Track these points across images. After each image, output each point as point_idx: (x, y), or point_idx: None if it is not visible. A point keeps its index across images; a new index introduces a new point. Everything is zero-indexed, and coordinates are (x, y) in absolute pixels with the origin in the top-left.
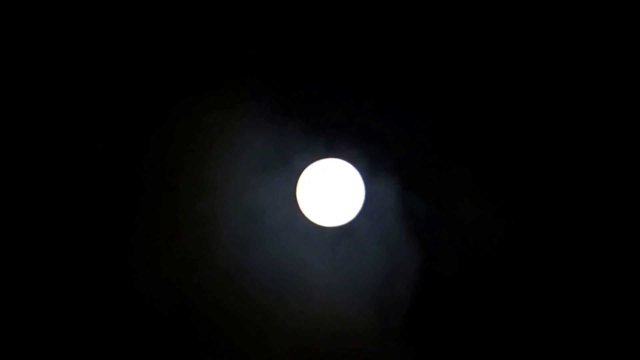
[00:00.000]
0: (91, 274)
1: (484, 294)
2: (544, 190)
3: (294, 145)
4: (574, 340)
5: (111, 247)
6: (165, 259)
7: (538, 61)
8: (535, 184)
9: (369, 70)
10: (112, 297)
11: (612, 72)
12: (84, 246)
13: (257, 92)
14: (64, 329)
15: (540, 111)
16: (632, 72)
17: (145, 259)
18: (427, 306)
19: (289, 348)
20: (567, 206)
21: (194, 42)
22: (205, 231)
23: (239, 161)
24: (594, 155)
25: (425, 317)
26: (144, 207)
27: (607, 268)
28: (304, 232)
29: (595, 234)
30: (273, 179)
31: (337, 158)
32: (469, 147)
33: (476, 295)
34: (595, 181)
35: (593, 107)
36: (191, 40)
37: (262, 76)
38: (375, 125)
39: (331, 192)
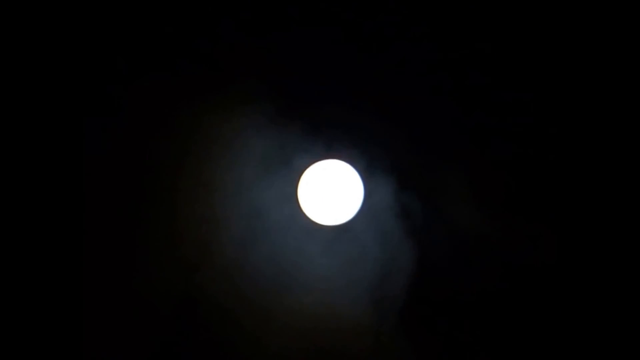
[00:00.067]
0: (94, 273)
1: (479, 291)
2: (540, 190)
3: (294, 146)
4: (569, 339)
5: (114, 247)
6: (168, 258)
7: (537, 60)
8: (531, 184)
9: (367, 72)
10: (115, 296)
11: (613, 71)
12: (86, 246)
13: (258, 93)
14: (65, 328)
15: (537, 111)
16: (632, 72)
17: (148, 258)
18: (424, 303)
19: (289, 343)
20: (563, 205)
21: (196, 43)
22: (207, 230)
23: (240, 161)
24: (592, 155)
25: (422, 314)
26: (146, 207)
27: (604, 267)
28: (304, 230)
29: (594, 233)
30: (274, 178)
31: (336, 159)
32: (465, 147)
33: (472, 293)
34: (593, 180)
35: (592, 107)
36: (193, 40)
37: (263, 78)
38: (373, 127)
39: (331, 191)
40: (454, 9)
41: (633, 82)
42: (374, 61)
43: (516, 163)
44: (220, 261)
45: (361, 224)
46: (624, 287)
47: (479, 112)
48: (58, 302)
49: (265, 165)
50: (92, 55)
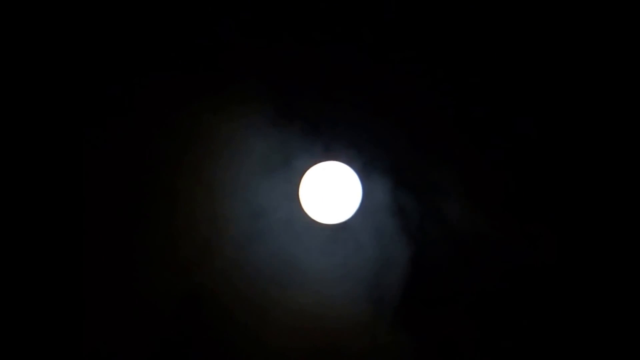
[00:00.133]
0: (94, 273)
1: (475, 290)
2: (537, 190)
3: (294, 147)
4: (568, 337)
5: (115, 246)
6: (168, 258)
7: (535, 60)
8: (528, 184)
9: (366, 74)
10: (116, 295)
11: (611, 72)
12: (86, 247)
13: (259, 95)
14: (66, 328)
15: (534, 111)
16: (632, 73)
17: (148, 257)
18: (418, 298)
19: (289, 335)
20: (559, 205)
21: (197, 44)
22: (212, 228)
23: (244, 162)
24: (590, 155)
25: (416, 309)
26: (147, 206)
27: (603, 267)
28: (304, 228)
29: (593, 233)
30: (276, 179)
31: (335, 159)
32: (461, 147)
33: (467, 291)
34: (591, 180)
35: (591, 107)
36: (194, 42)
37: (263, 79)
38: (371, 128)
39: (330, 191)
40: (447, 16)
41: (633, 84)
42: (373, 64)
43: (513, 163)
44: (221, 260)
45: (359, 222)
46: (624, 287)
47: (473, 114)
48: (59, 302)
49: (266, 165)
50: (93, 55)
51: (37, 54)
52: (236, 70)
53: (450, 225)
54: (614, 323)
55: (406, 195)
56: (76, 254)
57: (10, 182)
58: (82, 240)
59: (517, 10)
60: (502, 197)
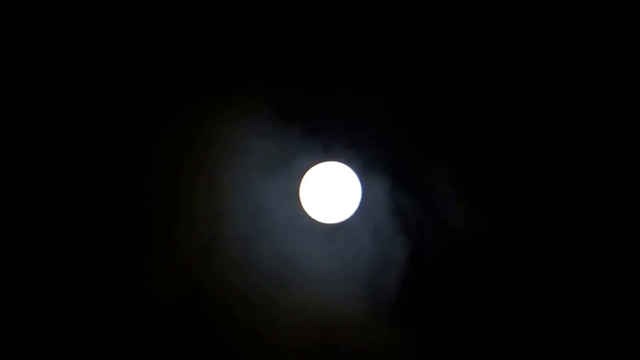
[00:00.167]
0: (99, 270)
1: (466, 283)
2: (534, 190)
3: (295, 148)
4: (558, 334)
5: (117, 246)
6: (170, 257)
7: (534, 60)
8: (524, 185)
9: (366, 76)
10: (120, 292)
11: (611, 72)
12: (89, 247)
13: (260, 97)
14: (68, 325)
15: (533, 112)
16: (633, 74)
17: (151, 256)
18: (415, 294)
19: (289, 333)
20: (556, 205)
21: (200, 47)
22: (213, 227)
23: (244, 162)
24: (587, 154)
25: (413, 304)
26: (149, 206)
27: (600, 266)
28: (304, 227)
29: (589, 233)
30: (277, 179)
31: (334, 160)
32: (458, 148)
33: (459, 284)
34: (587, 180)
35: (590, 107)
36: (197, 44)
37: (265, 82)
38: (370, 129)
39: (330, 191)
40: (451, 11)
41: (633, 85)
42: (372, 66)
43: (511, 164)
44: (222, 259)
45: (359, 222)
46: (624, 286)
47: (474, 114)
48: (59, 302)
49: (266, 165)
50: (97, 57)
51: (42, 54)
52: (237, 71)
53: (448, 225)
54: (613, 322)
55: (405, 195)
56: (76, 254)
57: (12, 182)
58: (82, 240)
59: (517, 9)
60: (500, 197)
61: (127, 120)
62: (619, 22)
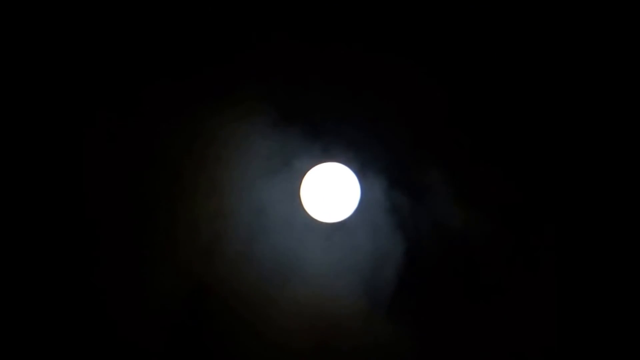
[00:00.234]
0: (100, 270)
1: (465, 283)
2: (532, 190)
3: (296, 149)
4: (557, 332)
5: (119, 246)
6: (171, 256)
7: (532, 60)
8: (521, 184)
9: (365, 77)
10: (121, 292)
11: (611, 73)
12: (92, 245)
13: (262, 98)
14: (68, 325)
15: (532, 112)
16: (632, 74)
17: (153, 255)
18: (414, 293)
19: (290, 331)
20: (553, 204)
21: (202, 48)
22: (214, 226)
23: (246, 163)
24: (585, 155)
25: (412, 304)
26: (152, 206)
27: (600, 265)
28: (304, 227)
29: (588, 232)
30: (277, 179)
31: (334, 161)
32: (455, 148)
33: (453, 280)
34: (585, 180)
35: (590, 107)
36: (199, 46)
37: (267, 84)
38: (368, 131)
39: (329, 191)
40: (449, 11)
41: (633, 85)
42: (372, 66)
43: (509, 163)
44: (223, 257)
45: (358, 220)
46: (624, 286)
47: (471, 115)
48: (58, 302)
49: (267, 166)
50: (98, 59)
51: (46, 55)
52: (237, 71)
53: (445, 224)
54: (613, 322)
55: (402, 194)
56: (77, 254)
57: (13, 183)
58: (84, 240)
59: (515, 9)
60: (500, 197)
61: (128, 120)
62: (619, 22)
